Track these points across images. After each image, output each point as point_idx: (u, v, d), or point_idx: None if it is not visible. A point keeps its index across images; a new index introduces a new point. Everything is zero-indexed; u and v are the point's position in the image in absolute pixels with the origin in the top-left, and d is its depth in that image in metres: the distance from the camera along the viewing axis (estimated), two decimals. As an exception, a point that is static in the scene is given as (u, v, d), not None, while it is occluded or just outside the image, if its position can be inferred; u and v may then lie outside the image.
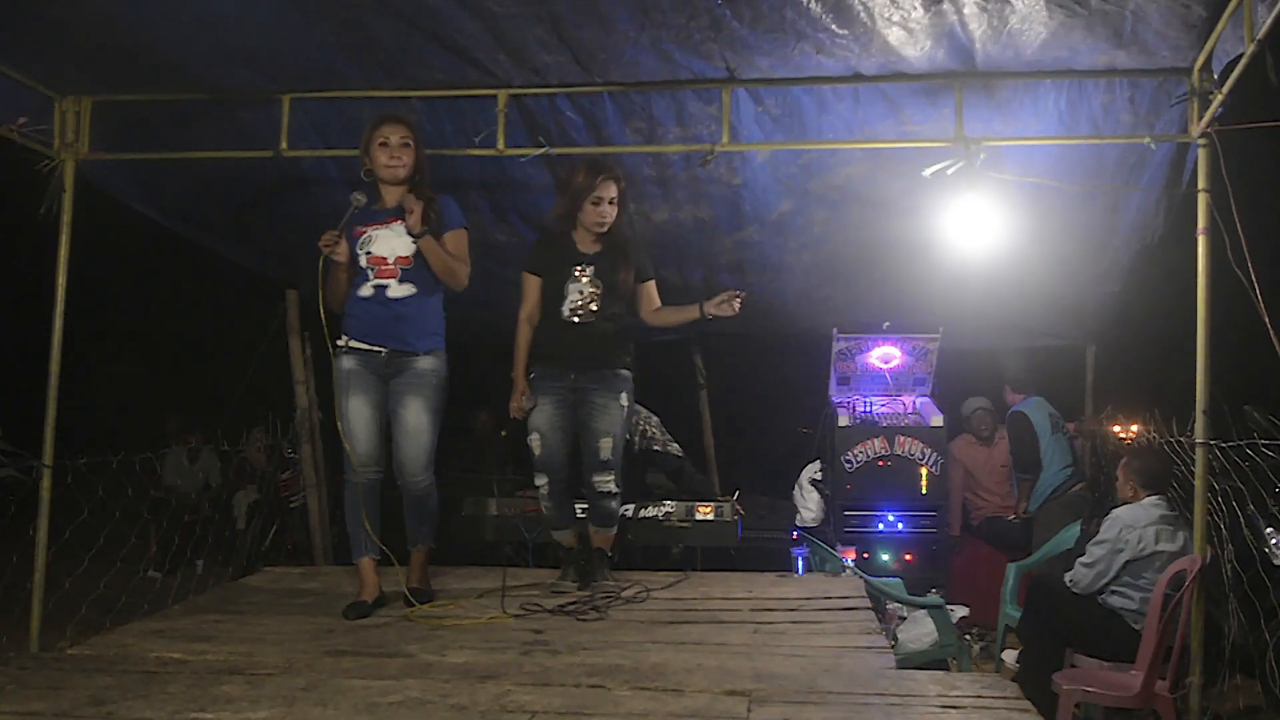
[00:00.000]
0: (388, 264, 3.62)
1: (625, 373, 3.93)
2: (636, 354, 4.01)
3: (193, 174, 4.71)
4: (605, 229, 3.87)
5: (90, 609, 4.75)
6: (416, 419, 3.62)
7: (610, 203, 3.84)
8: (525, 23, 3.60)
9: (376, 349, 3.62)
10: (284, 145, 4.24)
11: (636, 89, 4.08)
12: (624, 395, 3.90)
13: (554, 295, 3.90)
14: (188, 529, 7.25)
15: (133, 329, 10.84)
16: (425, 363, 3.65)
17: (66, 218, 4.23)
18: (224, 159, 4.50)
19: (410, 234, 3.58)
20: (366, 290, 3.63)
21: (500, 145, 4.16)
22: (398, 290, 3.61)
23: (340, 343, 3.67)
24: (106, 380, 10.41)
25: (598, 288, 3.86)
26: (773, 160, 4.58)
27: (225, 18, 3.60)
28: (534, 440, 3.90)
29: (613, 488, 3.89)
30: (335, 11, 3.58)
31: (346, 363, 3.64)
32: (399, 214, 3.61)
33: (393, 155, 3.60)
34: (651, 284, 4.02)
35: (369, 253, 3.61)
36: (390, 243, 3.62)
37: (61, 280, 4.22)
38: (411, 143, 3.63)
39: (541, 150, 4.24)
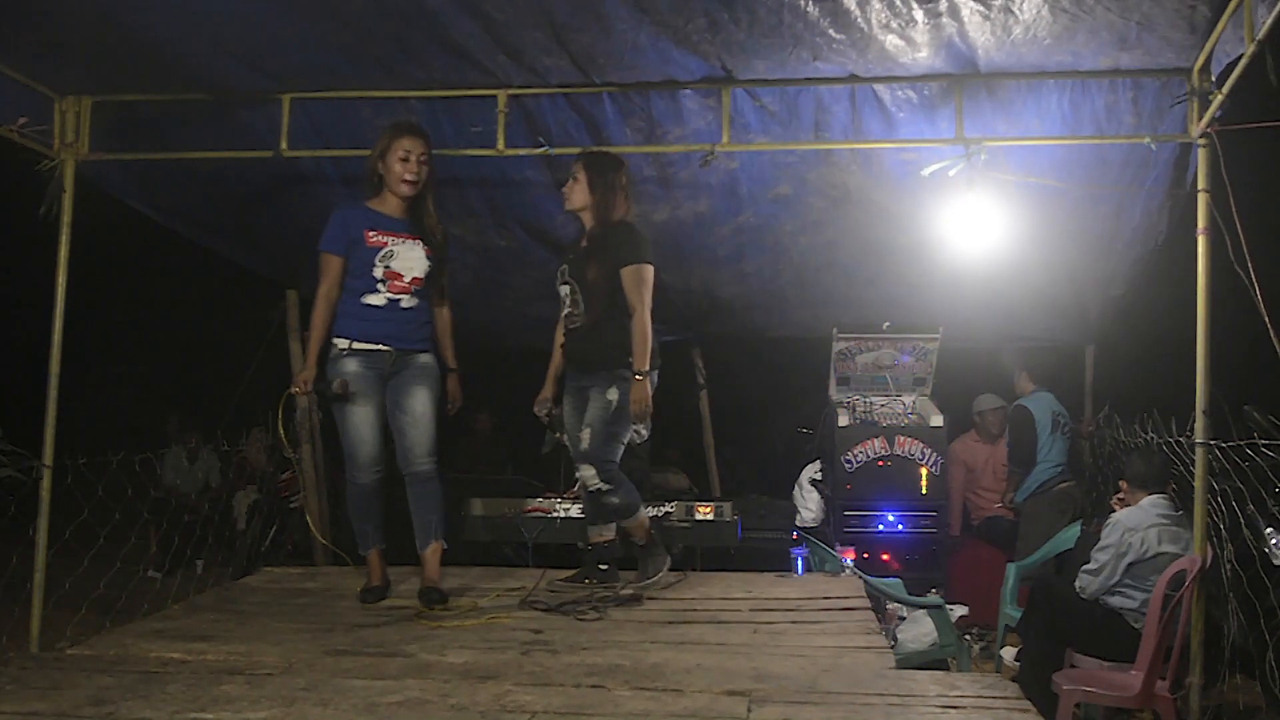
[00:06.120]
0: (403, 281, 3.71)
1: (624, 371, 3.80)
2: (654, 355, 3.86)
3: (192, 174, 4.71)
4: (569, 205, 3.90)
5: (90, 609, 4.75)
6: (423, 406, 3.76)
7: (573, 179, 3.86)
8: (524, 26, 3.60)
9: (384, 349, 3.70)
10: (283, 145, 4.24)
11: (637, 89, 4.08)
12: (613, 389, 3.79)
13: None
14: (188, 529, 7.23)
15: (133, 329, 10.82)
16: (425, 358, 3.81)
17: (66, 218, 4.23)
18: (223, 159, 4.50)
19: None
20: (378, 300, 3.70)
21: (500, 145, 4.16)
22: (409, 302, 3.75)
23: (342, 346, 3.68)
24: (106, 380, 10.40)
25: (575, 289, 3.87)
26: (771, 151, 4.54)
27: (225, 17, 3.59)
28: (564, 438, 4.02)
29: (597, 483, 3.77)
30: (335, 12, 3.59)
31: (350, 366, 3.67)
32: (416, 231, 3.74)
33: (411, 171, 3.69)
34: (628, 269, 3.78)
35: (387, 267, 3.69)
36: (410, 261, 3.73)
37: (61, 280, 4.22)
38: (427, 158, 3.72)
39: (541, 150, 4.24)
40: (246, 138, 4.38)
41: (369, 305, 3.68)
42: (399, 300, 3.71)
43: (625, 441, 3.89)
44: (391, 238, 3.71)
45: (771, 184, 4.80)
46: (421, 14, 3.55)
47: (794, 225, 5.15)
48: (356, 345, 3.68)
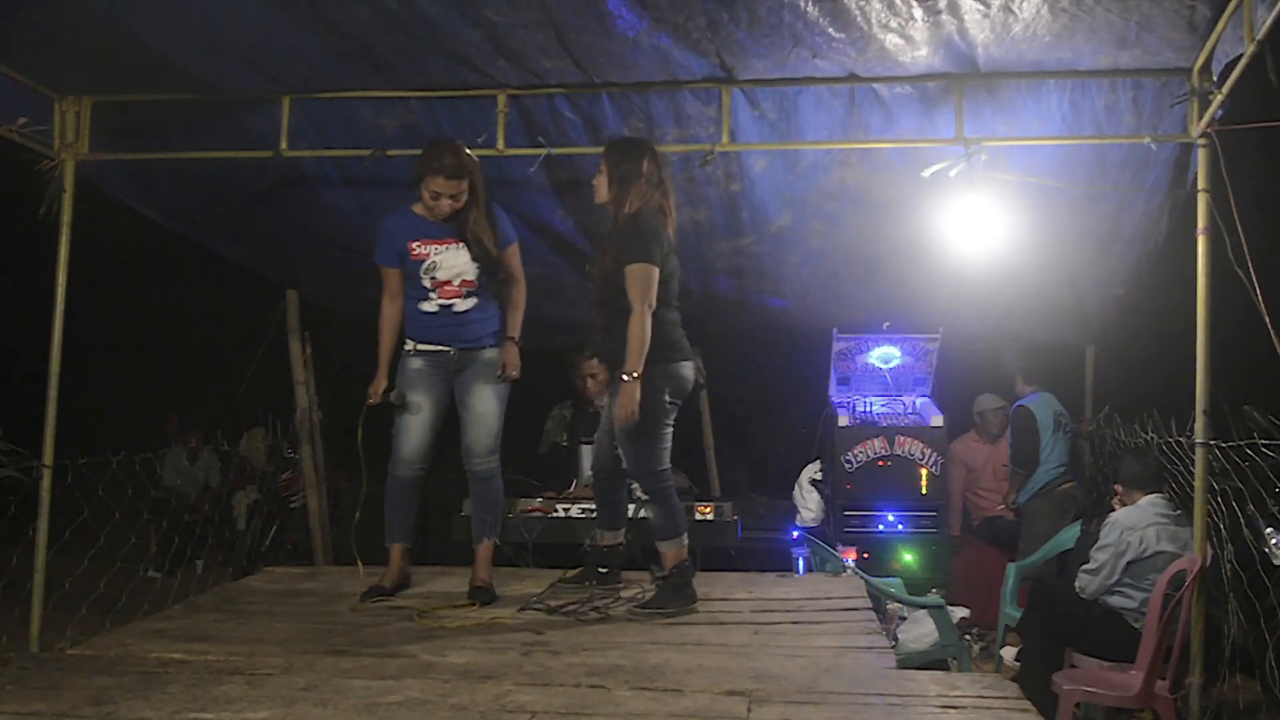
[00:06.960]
0: (452, 286, 3.73)
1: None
2: (664, 348, 3.61)
3: (193, 174, 4.71)
4: (596, 199, 3.76)
5: (90, 609, 4.75)
6: (485, 404, 3.80)
7: (599, 171, 3.74)
8: (525, 30, 3.60)
9: (445, 349, 3.77)
10: (283, 145, 4.24)
11: (635, 89, 4.08)
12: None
13: None
14: (188, 529, 7.25)
15: (133, 329, 10.83)
16: (491, 354, 3.82)
17: (66, 218, 4.23)
18: (223, 159, 4.50)
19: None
20: (431, 306, 3.75)
21: (500, 145, 4.16)
22: (464, 305, 3.76)
23: (409, 346, 3.78)
24: (106, 380, 10.40)
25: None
26: (770, 170, 4.57)
27: (225, 20, 3.59)
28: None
29: (639, 495, 3.74)
30: (334, 21, 3.59)
31: (415, 363, 3.78)
32: (460, 234, 3.70)
33: (441, 210, 3.66)
34: (629, 268, 3.54)
35: (433, 277, 3.71)
36: (454, 267, 3.72)
37: (61, 280, 4.22)
38: (464, 196, 3.66)
39: (542, 151, 4.24)
40: (246, 138, 4.38)
41: (425, 312, 3.75)
42: (451, 305, 3.74)
43: (664, 444, 3.68)
44: (434, 246, 3.70)
45: (774, 217, 4.86)
46: (422, 24, 3.55)
47: (796, 256, 5.19)
48: (420, 346, 3.78)
